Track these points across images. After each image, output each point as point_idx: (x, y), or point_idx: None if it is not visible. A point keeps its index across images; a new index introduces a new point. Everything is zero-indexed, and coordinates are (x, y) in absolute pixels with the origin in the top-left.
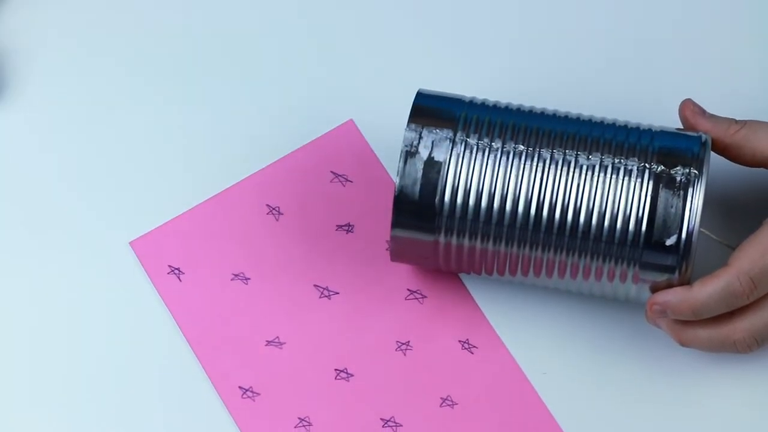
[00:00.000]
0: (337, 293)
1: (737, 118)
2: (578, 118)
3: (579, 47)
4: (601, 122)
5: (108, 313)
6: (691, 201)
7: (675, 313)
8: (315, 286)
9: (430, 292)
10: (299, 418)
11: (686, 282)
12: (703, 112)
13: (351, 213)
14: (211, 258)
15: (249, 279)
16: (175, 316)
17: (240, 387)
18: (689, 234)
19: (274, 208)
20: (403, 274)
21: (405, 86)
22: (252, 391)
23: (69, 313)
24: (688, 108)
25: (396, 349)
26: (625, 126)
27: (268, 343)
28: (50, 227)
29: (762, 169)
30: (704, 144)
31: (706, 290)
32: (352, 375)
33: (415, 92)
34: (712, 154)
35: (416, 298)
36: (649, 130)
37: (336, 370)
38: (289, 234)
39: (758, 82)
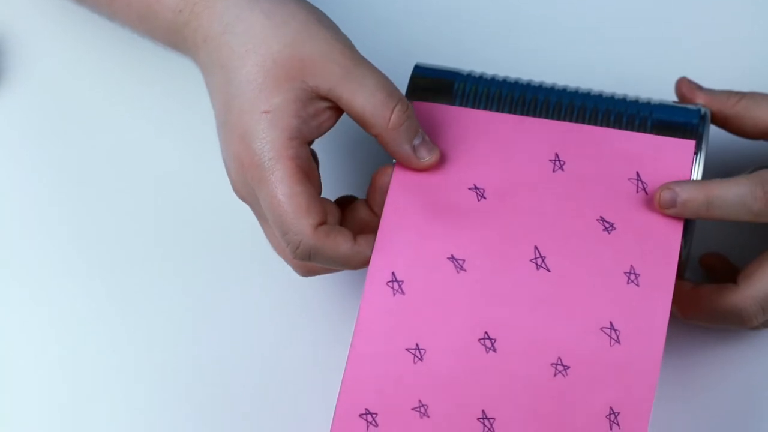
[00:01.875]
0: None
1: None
2: (577, 91)
3: (578, 25)
4: (600, 95)
5: None
6: (691, 175)
7: (686, 202)
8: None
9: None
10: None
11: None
12: (699, 87)
13: None
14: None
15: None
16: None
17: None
18: None
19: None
20: None
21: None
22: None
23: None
24: (685, 84)
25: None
26: (624, 98)
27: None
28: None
29: (762, 142)
30: (703, 117)
31: (726, 185)
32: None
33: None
34: (712, 127)
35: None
36: (648, 103)
37: None
38: None
39: (759, 60)
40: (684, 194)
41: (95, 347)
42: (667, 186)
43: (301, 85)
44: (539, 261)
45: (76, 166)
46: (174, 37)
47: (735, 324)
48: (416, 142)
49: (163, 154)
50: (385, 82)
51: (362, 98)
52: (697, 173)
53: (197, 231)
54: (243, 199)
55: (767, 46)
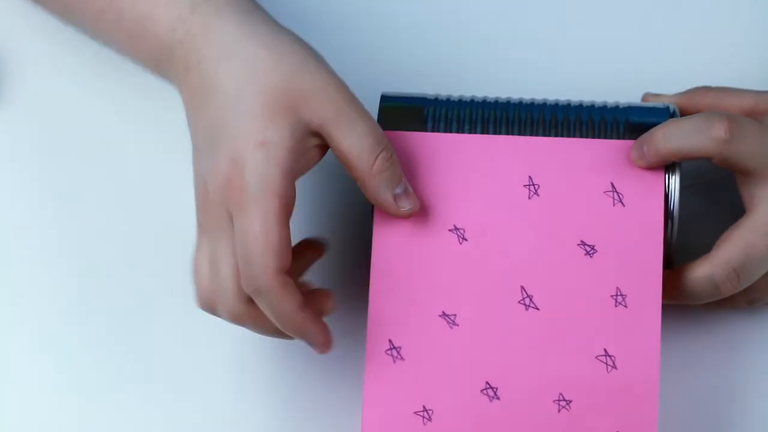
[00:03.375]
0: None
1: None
2: (545, 103)
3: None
4: (569, 104)
5: None
6: (665, 172)
7: (649, 143)
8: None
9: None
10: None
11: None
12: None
13: None
14: None
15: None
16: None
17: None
18: (671, 207)
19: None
20: None
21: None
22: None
23: None
24: (649, 96)
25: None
26: (593, 105)
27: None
28: None
29: None
30: (672, 113)
31: (682, 119)
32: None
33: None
34: None
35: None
36: (617, 107)
37: None
38: None
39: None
40: (646, 139)
41: (94, 359)
42: (634, 146)
43: (297, 119)
44: (527, 301)
45: (74, 179)
46: (161, 56)
47: (710, 294)
48: (398, 191)
49: (161, 166)
50: (374, 127)
51: (351, 139)
52: (672, 172)
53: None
54: (206, 217)
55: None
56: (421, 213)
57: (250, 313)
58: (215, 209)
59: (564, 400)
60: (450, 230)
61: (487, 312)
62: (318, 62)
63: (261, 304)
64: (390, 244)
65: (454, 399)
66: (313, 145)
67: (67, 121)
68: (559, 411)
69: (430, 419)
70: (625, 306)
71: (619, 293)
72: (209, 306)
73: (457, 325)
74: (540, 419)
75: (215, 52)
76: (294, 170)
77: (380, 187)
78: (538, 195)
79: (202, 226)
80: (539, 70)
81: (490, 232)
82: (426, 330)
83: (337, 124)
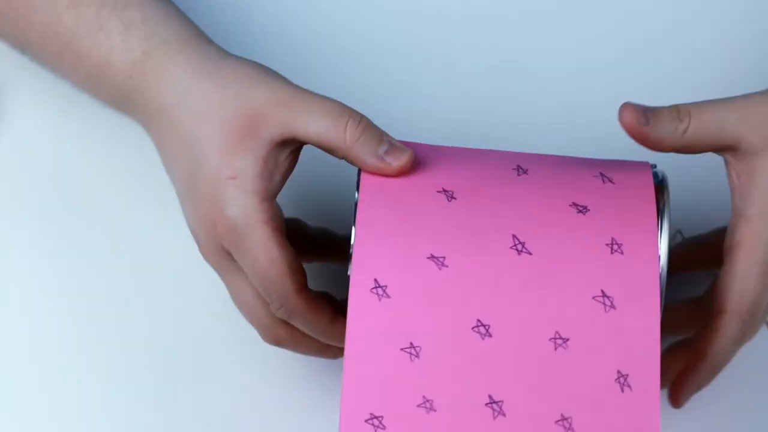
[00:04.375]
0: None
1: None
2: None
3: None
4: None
5: None
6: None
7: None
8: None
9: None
10: None
11: None
12: (645, 120)
13: None
14: None
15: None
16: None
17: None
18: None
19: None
20: None
21: None
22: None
23: None
24: (630, 118)
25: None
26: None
27: None
28: None
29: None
30: (662, 182)
31: (719, 346)
32: None
33: None
34: None
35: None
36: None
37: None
38: None
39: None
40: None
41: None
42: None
43: (259, 140)
44: (519, 247)
45: (74, 177)
46: (122, 100)
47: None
48: (381, 150)
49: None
50: (330, 105)
51: (315, 127)
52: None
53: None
54: (212, 262)
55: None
56: (409, 177)
57: (293, 336)
58: (214, 253)
59: (561, 338)
60: (438, 191)
61: (478, 255)
62: (261, 76)
63: (297, 326)
64: (376, 195)
65: (443, 336)
66: (284, 156)
67: (65, 153)
68: (555, 349)
69: (417, 356)
70: (622, 253)
71: (614, 242)
72: (270, 339)
73: (447, 266)
74: (535, 357)
75: (170, 98)
76: (270, 190)
77: (363, 154)
78: (527, 174)
79: (216, 269)
80: (531, 78)
81: (479, 193)
82: (414, 270)
83: (295, 122)
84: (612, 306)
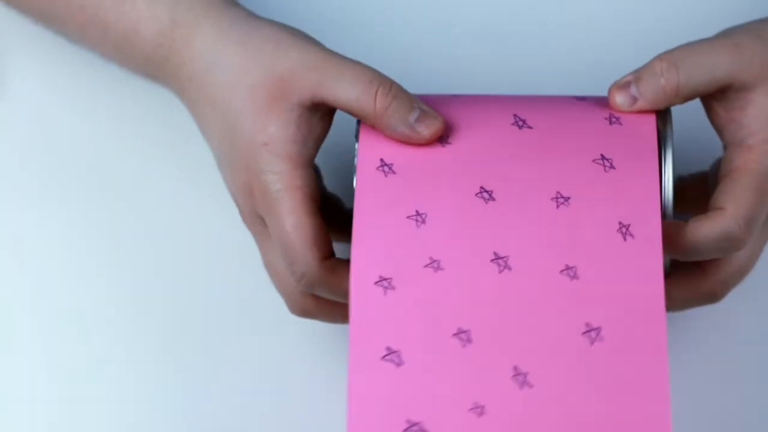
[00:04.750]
0: None
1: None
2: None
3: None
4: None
5: None
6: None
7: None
8: None
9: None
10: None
11: None
12: (635, 97)
13: None
14: None
15: None
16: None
17: None
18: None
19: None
20: None
21: None
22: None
23: None
24: (621, 100)
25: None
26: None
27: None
28: None
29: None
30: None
31: (701, 232)
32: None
33: None
34: None
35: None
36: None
37: None
38: None
39: None
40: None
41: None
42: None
43: (290, 105)
44: (520, 123)
45: (77, 176)
46: (153, 69)
47: (720, 252)
48: (412, 118)
49: (169, 170)
50: (362, 70)
51: (344, 93)
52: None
53: (198, 238)
54: (249, 226)
55: None
56: None
57: (319, 306)
58: (250, 218)
59: (562, 197)
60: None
61: (479, 131)
62: (292, 40)
63: (323, 295)
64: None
65: (448, 201)
66: (317, 120)
67: (67, 121)
68: (557, 207)
69: (423, 222)
70: (620, 124)
71: (612, 116)
72: (296, 310)
73: (450, 143)
74: (538, 215)
75: (200, 66)
76: (305, 155)
77: (393, 123)
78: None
79: (252, 235)
80: (536, 65)
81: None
82: (418, 147)
83: (325, 87)
84: (612, 167)
